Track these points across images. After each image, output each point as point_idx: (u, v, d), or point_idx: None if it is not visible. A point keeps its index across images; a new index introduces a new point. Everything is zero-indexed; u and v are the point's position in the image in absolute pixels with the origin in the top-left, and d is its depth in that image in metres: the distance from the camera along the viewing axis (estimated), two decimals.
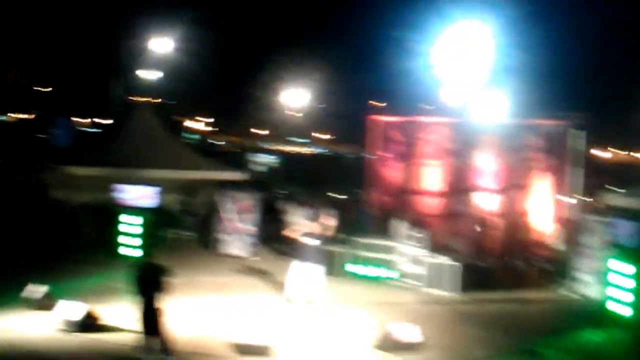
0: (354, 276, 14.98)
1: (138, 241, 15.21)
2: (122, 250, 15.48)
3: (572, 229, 15.95)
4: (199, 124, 70.33)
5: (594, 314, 12.47)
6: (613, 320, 12.07)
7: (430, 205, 18.75)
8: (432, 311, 12.62)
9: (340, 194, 25.31)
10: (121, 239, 15.66)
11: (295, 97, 47.63)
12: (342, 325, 11.25)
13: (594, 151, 47.78)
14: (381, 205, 19.03)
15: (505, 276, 15.62)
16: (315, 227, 12.11)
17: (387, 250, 14.95)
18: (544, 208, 17.59)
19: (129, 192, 15.82)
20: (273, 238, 20.09)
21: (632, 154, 54.56)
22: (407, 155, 19.14)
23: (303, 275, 11.81)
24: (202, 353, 9.47)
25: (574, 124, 17.42)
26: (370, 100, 24.18)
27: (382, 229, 17.09)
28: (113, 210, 17.36)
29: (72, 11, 44.51)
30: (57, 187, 19.08)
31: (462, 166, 18.56)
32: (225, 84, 55.51)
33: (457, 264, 14.31)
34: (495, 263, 16.27)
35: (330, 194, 25.73)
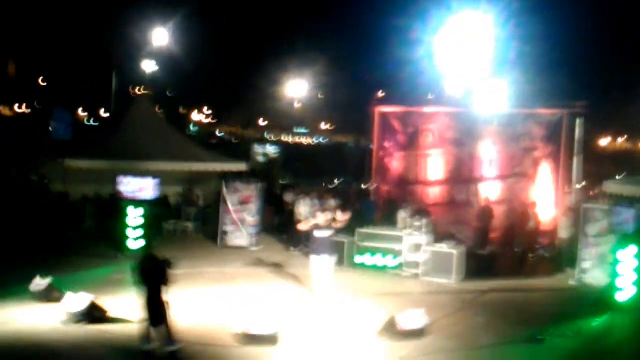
0: (359, 266, 15.02)
1: (140, 233, 15.22)
2: (124, 242, 15.49)
3: (573, 217, 15.98)
4: (199, 116, 70.20)
5: (597, 301, 12.50)
6: (616, 306, 12.12)
7: (433, 194, 18.83)
8: (436, 299, 12.66)
9: (343, 184, 25.37)
10: (123, 231, 15.66)
11: (296, 87, 47.47)
12: (347, 314, 11.29)
13: (595, 140, 47.81)
14: (384, 195, 19.09)
15: (508, 264, 15.69)
16: (325, 219, 12.08)
17: (391, 239, 14.98)
18: (546, 196, 17.64)
19: (130, 184, 15.82)
20: (275, 228, 20.22)
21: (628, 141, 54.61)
22: (409, 145, 19.19)
23: (321, 267, 11.82)
24: (206, 343, 9.49)
25: (574, 113, 17.44)
26: (372, 90, 24.12)
27: (385, 219, 17.19)
28: (114, 202, 17.39)
29: (71, 3, 44.31)
30: (58, 180, 19.10)
31: (464, 155, 18.63)
32: (226, 74, 55.35)
33: (460, 252, 14.35)
34: (498, 251, 16.33)
35: (333, 184, 25.79)
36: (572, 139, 17.52)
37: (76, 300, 10.35)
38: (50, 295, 11.22)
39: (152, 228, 16.96)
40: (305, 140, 66.80)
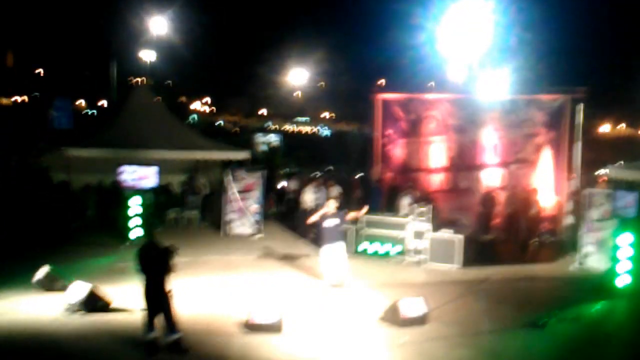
0: (362, 252, 15.06)
1: (141, 221, 15.27)
2: (125, 231, 15.54)
3: (574, 202, 16.00)
4: (199, 105, 70.11)
5: (598, 286, 12.54)
6: (616, 291, 12.16)
7: (436, 181, 18.85)
8: (438, 285, 12.69)
9: (345, 172, 25.35)
10: (125, 219, 15.71)
11: (296, 76, 47.35)
12: (350, 301, 11.33)
13: (596, 126, 47.70)
14: (387, 182, 19.11)
15: (511, 250, 15.73)
16: (334, 207, 12.08)
17: (394, 226, 15.00)
18: (547, 182, 17.65)
19: (131, 172, 15.83)
20: (278, 216, 20.26)
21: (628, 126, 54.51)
22: (411, 132, 19.18)
23: (332, 256, 11.82)
24: (209, 331, 9.53)
25: (576, 98, 17.41)
26: (373, 77, 24.08)
27: (388, 206, 17.22)
28: (116, 191, 17.41)
29: None
30: (59, 169, 19.09)
31: (466, 142, 18.63)
32: (226, 63, 55.18)
33: (463, 238, 14.37)
34: (500, 237, 16.37)
35: (336, 172, 25.78)
36: (573, 125, 17.50)
37: (78, 290, 10.36)
38: (52, 285, 11.25)
39: (154, 216, 17.00)
40: (306, 129, 66.73)
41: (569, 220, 16.20)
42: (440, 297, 11.66)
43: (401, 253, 14.83)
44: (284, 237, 17.48)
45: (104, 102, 51.37)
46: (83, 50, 49.90)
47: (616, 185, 16.04)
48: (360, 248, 15.12)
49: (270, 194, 20.27)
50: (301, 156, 36.27)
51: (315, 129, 66.41)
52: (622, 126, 56.37)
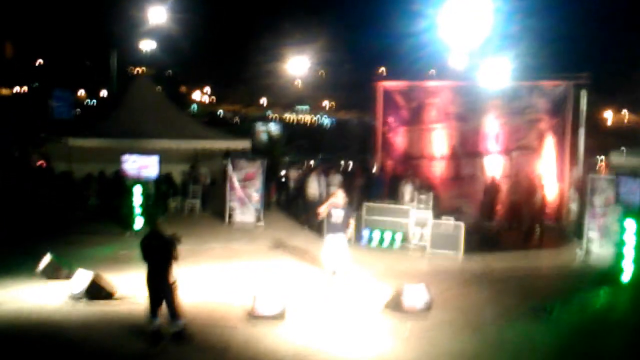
0: (365, 240, 15.03)
1: (143, 211, 15.26)
2: (129, 220, 15.55)
3: (578, 189, 15.94)
4: (199, 95, 69.96)
5: (602, 273, 12.52)
6: (620, 278, 12.13)
7: (438, 169, 18.79)
8: (441, 273, 12.67)
9: (347, 161, 25.32)
10: (127, 209, 15.70)
11: (296, 64, 47.14)
12: (353, 289, 11.30)
13: (601, 112, 47.54)
14: (388, 170, 19.06)
15: (514, 238, 15.70)
16: (339, 197, 11.93)
17: (397, 214, 14.96)
18: (550, 169, 17.58)
19: (133, 162, 15.79)
20: (280, 205, 20.24)
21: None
22: (413, 119, 19.12)
23: (335, 246, 11.70)
24: (213, 319, 9.51)
25: (579, 84, 17.31)
26: (374, 66, 23.99)
27: (390, 194, 17.16)
28: (118, 181, 17.39)
29: None
30: (61, 159, 19.07)
31: (468, 129, 18.56)
32: (226, 53, 54.97)
33: (464, 226, 14.32)
34: (503, 225, 16.33)
35: (337, 160, 25.74)
36: (576, 112, 17.41)
37: (81, 278, 10.36)
38: (55, 274, 11.24)
39: (157, 205, 16.98)
40: (307, 118, 66.58)
41: (572, 207, 16.14)
42: (443, 285, 11.64)
43: (403, 241, 14.80)
44: (286, 226, 17.45)
45: (104, 93, 51.26)
46: (83, 40, 49.67)
47: (619, 171, 15.96)
48: (364, 235, 15.08)
49: (272, 183, 20.24)
50: (302, 145, 36.22)
51: (315, 118, 66.28)
52: (625, 113, 56.18)
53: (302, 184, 18.14)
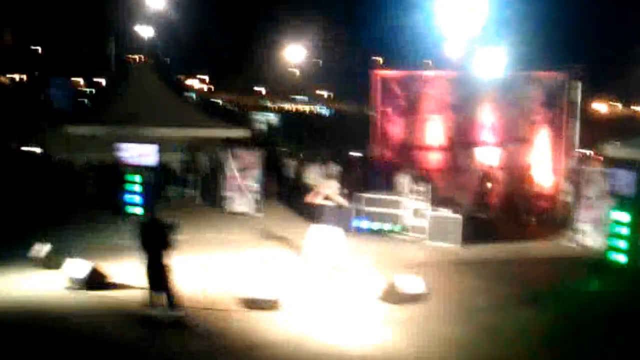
0: (361, 230, 15.05)
1: (141, 199, 15.22)
2: (126, 208, 15.51)
3: (572, 180, 15.97)
4: (197, 83, 69.63)
5: (595, 263, 12.58)
6: (612, 268, 12.19)
7: (434, 159, 18.79)
8: (436, 263, 12.71)
9: (344, 151, 25.26)
10: (125, 197, 15.67)
11: (293, 53, 46.92)
12: (349, 279, 11.32)
13: (594, 104, 47.55)
14: (385, 160, 19.05)
15: (508, 228, 15.74)
16: (332, 188, 11.87)
17: (392, 204, 14.97)
18: (545, 160, 17.60)
19: (130, 150, 15.73)
20: (277, 194, 20.21)
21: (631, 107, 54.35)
22: (410, 110, 19.09)
23: (323, 237, 11.66)
24: (210, 308, 9.52)
25: (573, 76, 17.31)
26: (371, 55, 23.89)
27: (386, 184, 17.16)
28: (116, 169, 17.33)
29: None
30: (60, 147, 18.99)
31: (464, 120, 18.54)
32: (223, 40, 54.66)
33: (461, 216, 14.35)
34: (498, 215, 16.36)
35: (335, 150, 25.69)
36: (571, 103, 17.41)
37: (79, 267, 10.34)
38: (53, 262, 11.20)
39: (154, 194, 16.93)
40: (304, 107, 66.38)
41: (565, 198, 16.17)
42: (439, 274, 11.68)
43: (400, 231, 14.81)
44: (284, 216, 17.44)
45: (102, 81, 51.00)
46: (81, 27, 49.32)
47: (612, 163, 16.00)
48: (361, 225, 15.09)
49: (270, 173, 20.20)
50: (300, 135, 36.13)
51: (313, 108, 66.08)
52: (618, 105, 56.23)
53: (300, 174, 18.12)
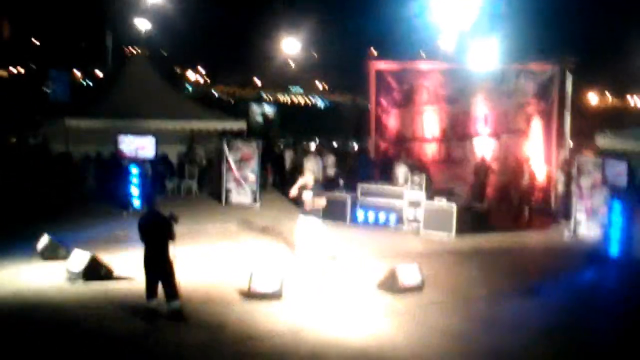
0: (360, 221, 14.95)
1: (141, 191, 15.09)
2: (125, 200, 15.40)
3: (566, 171, 15.91)
4: (194, 75, 69.30)
5: (589, 253, 12.52)
6: (607, 258, 12.14)
7: (429, 150, 18.74)
8: (434, 253, 12.64)
9: (340, 142, 25.21)
10: (125, 189, 15.55)
11: (290, 45, 46.68)
12: (348, 269, 11.25)
13: (585, 95, 47.54)
14: (380, 152, 18.97)
15: (504, 218, 15.69)
16: (311, 180, 11.74)
17: (391, 195, 14.86)
18: (538, 151, 17.55)
19: (128, 143, 15.57)
20: (274, 185, 20.12)
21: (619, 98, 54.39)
22: (405, 101, 19.02)
23: (310, 229, 11.55)
24: (209, 298, 9.43)
25: (565, 68, 17.27)
26: (366, 48, 23.74)
27: (382, 176, 17.09)
28: (115, 161, 17.19)
29: None
30: (59, 140, 18.83)
31: (459, 112, 18.48)
32: (220, 33, 54.33)
33: (458, 207, 14.26)
34: (494, 206, 16.30)
35: (331, 142, 25.64)
36: (562, 94, 17.38)
37: (79, 258, 10.22)
38: (53, 254, 11.09)
39: (154, 185, 16.82)
40: (301, 99, 66.21)
41: (559, 188, 16.12)
42: (435, 264, 11.61)
43: (398, 222, 14.72)
44: (281, 206, 17.33)
45: (99, 73, 50.65)
46: (79, 20, 48.89)
47: (604, 154, 15.94)
48: (359, 216, 14.99)
49: (267, 164, 20.11)
50: (297, 126, 36.00)
51: (309, 100, 65.91)
52: (608, 96, 56.26)
53: (297, 165, 18.02)
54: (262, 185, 18.22)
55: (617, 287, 11.28)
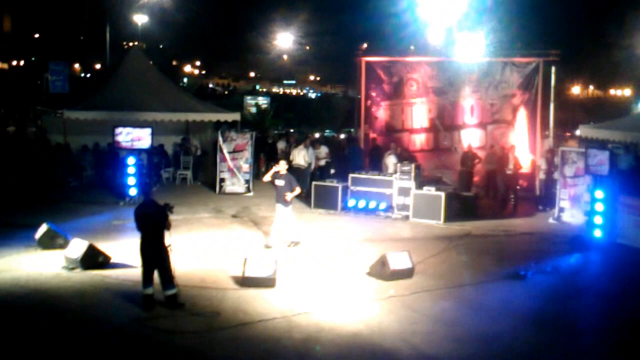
0: (351, 209, 14.84)
1: (137, 181, 14.93)
2: (122, 190, 15.24)
3: (549, 160, 15.88)
4: (190, 68, 68.90)
5: (574, 239, 12.48)
6: (590, 243, 12.10)
7: (418, 141, 18.76)
8: (423, 240, 12.54)
9: (331, 133, 25.07)
10: (122, 179, 15.39)
11: (283, 39, 46.43)
12: (339, 255, 11.16)
13: (568, 87, 47.57)
14: (371, 142, 18.93)
15: (491, 205, 15.67)
16: (283, 168, 11.64)
17: (381, 184, 14.76)
18: (523, 141, 17.58)
19: (125, 133, 15.37)
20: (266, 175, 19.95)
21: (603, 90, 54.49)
22: (394, 94, 19.04)
23: (283, 216, 11.49)
24: (204, 285, 9.32)
25: (549, 61, 17.36)
26: (357, 42, 23.60)
27: (372, 165, 17.03)
28: (113, 152, 17.02)
29: None
30: (57, 131, 18.61)
31: (447, 103, 18.54)
32: (216, 27, 53.97)
33: (446, 195, 14.17)
34: (480, 193, 16.29)
35: (322, 132, 25.50)
36: (546, 86, 17.46)
37: (76, 247, 10.06)
38: (51, 243, 10.92)
39: (150, 175, 16.66)
40: (293, 91, 66.00)
41: (543, 177, 16.09)
42: (425, 251, 11.53)
43: (388, 210, 14.63)
44: (273, 195, 17.16)
45: (98, 66, 50.24)
46: (79, 14, 48.42)
47: (587, 143, 15.92)
48: (350, 204, 14.89)
49: (261, 154, 19.96)
50: (289, 118, 35.79)
51: (301, 92, 65.67)
52: (591, 88, 56.35)
53: (290, 155, 17.88)
54: (256, 174, 18.10)
55: (601, 271, 11.26)
